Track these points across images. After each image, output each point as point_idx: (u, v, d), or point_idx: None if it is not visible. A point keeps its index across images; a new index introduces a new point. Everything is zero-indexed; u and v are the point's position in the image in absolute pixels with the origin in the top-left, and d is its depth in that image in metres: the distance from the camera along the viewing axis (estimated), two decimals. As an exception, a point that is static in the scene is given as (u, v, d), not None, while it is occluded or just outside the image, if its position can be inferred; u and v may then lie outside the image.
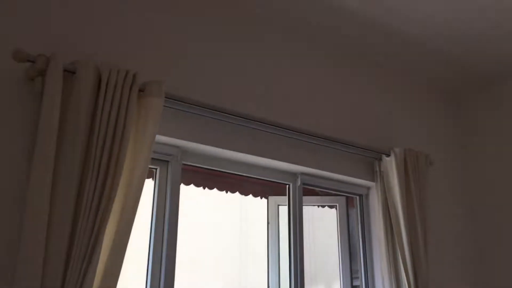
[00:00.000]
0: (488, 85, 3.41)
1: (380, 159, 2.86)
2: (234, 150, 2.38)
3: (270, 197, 2.94)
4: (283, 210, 2.96)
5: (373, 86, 3.14)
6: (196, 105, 2.18)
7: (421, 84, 3.43)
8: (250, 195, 3.25)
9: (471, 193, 3.39)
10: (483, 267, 3.21)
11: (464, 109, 3.58)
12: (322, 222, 3.59)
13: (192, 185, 2.98)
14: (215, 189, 3.14)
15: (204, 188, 3.08)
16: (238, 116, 2.33)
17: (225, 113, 2.28)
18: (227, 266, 5.18)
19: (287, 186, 2.70)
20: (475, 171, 3.40)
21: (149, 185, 2.15)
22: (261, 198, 3.27)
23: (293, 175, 2.71)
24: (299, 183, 2.70)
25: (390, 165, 2.79)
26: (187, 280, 4.62)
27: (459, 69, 3.25)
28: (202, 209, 4.71)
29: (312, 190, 2.93)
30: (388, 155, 2.83)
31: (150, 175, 2.27)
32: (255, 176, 2.60)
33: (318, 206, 3.47)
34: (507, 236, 3.11)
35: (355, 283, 2.94)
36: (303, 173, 2.71)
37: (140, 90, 1.93)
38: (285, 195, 2.73)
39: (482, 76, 3.32)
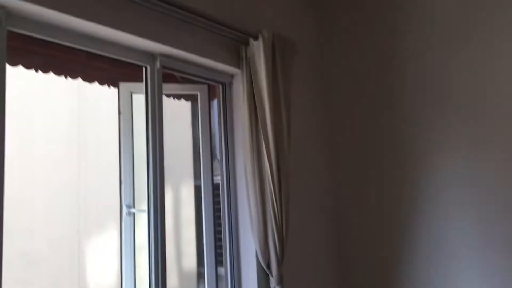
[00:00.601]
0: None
1: (247, 44, 2.61)
2: (76, 16, 1.86)
3: (121, 84, 2.50)
4: (137, 99, 2.57)
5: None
6: None
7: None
8: (96, 82, 2.74)
9: (328, 87, 3.38)
10: (338, 156, 3.30)
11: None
12: (177, 116, 3.29)
13: (20, 66, 2.36)
14: (51, 73, 2.54)
15: (36, 71, 2.47)
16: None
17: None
18: (64, 167, 4.62)
19: (144, 69, 2.30)
20: (333, 65, 3.37)
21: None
22: (109, 86, 2.79)
23: (152, 56, 2.30)
24: (158, 65, 2.31)
25: (258, 49, 2.56)
26: (17, 190, 4.01)
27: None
28: (34, 97, 3.97)
29: (171, 76, 2.57)
30: (256, 39, 2.57)
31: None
32: (104, 53, 2.12)
33: (174, 98, 3.15)
34: (359, 126, 3.20)
35: (216, 180, 2.74)
36: (162, 54, 2.32)
37: None
38: (138, 82, 2.33)
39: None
